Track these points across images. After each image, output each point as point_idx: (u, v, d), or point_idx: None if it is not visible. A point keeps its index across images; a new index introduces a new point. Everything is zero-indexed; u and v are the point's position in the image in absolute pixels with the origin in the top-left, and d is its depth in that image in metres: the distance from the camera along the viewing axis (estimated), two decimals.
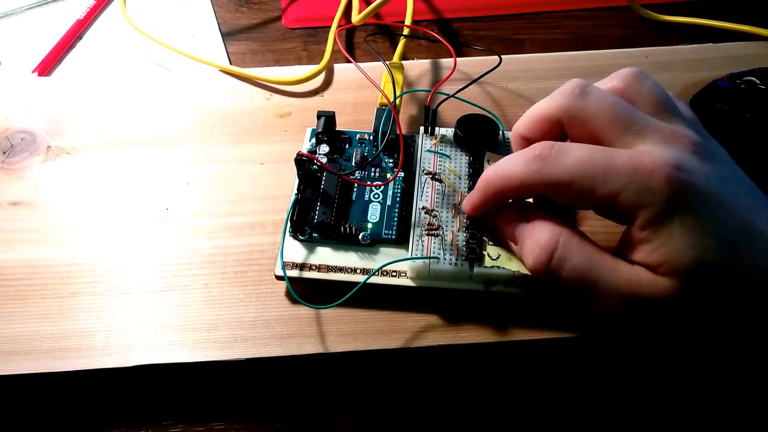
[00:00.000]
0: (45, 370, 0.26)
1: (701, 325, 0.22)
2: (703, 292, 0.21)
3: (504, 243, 0.26)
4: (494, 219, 0.26)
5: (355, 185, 0.29)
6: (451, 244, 0.26)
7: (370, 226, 0.28)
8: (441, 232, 0.26)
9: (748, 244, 0.21)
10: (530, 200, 0.26)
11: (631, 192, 0.21)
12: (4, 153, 0.33)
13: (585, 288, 0.23)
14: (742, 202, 0.22)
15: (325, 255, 0.27)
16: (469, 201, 0.26)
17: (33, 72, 0.39)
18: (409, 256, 0.26)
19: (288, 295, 0.27)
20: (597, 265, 0.22)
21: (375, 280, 0.26)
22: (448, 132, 0.30)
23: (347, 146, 0.31)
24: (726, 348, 0.24)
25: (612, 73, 0.25)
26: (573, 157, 0.22)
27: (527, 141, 0.25)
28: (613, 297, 0.22)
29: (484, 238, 0.26)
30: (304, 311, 0.27)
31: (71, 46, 0.42)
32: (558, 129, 0.24)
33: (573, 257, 0.23)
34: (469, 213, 0.26)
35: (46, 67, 0.40)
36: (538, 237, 0.23)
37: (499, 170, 0.24)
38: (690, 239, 0.21)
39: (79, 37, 0.42)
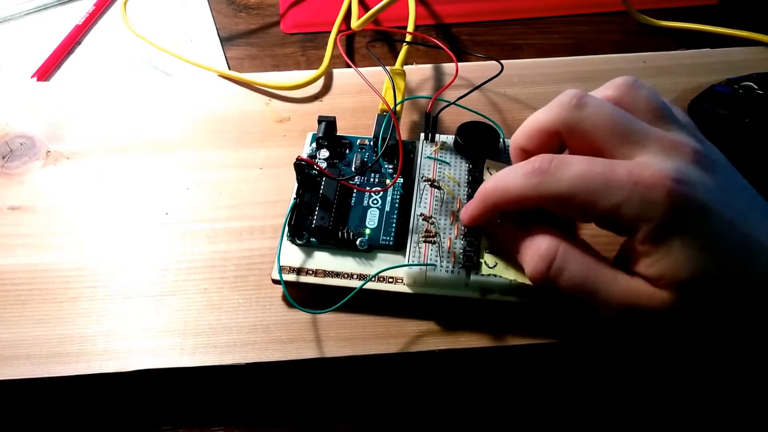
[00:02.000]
0: (45, 375, 0.26)
1: (699, 337, 0.23)
2: (702, 306, 0.21)
3: (503, 251, 0.26)
4: (495, 225, 0.26)
5: (354, 191, 0.29)
6: (449, 252, 0.26)
7: (368, 231, 0.28)
8: (438, 239, 0.26)
9: (750, 258, 0.21)
10: None
11: (632, 206, 0.21)
12: (3, 158, 0.33)
13: (583, 297, 0.23)
14: (743, 214, 0.22)
15: (322, 260, 0.27)
16: (466, 212, 0.26)
17: (32, 77, 0.39)
18: (406, 262, 0.26)
19: (285, 299, 0.28)
20: (595, 275, 0.22)
21: (372, 286, 0.26)
22: (449, 139, 0.30)
23: (347, 151, 0.31)
24: (727, 359, 0.24)
25: (606, 82, 0.25)
26: (573, 170, 0.22)
27: (526, 153, 0.25)
28: (611, 307, 0.22)
29: (482, 246, 0.26)
30: (304, 316, 0.27)
31: (70, 51, 0.42)
32: (557, 140, 0.24)
33: (571, 267, 0.23)
34: (466, 224, 0.26)
35: (45, 72, 0.40)
36: (538, 246, 0.23)
37: (498, 183, 0.24)
38: (689, 254, 0.21)
39: (78, 42, 0.42)
